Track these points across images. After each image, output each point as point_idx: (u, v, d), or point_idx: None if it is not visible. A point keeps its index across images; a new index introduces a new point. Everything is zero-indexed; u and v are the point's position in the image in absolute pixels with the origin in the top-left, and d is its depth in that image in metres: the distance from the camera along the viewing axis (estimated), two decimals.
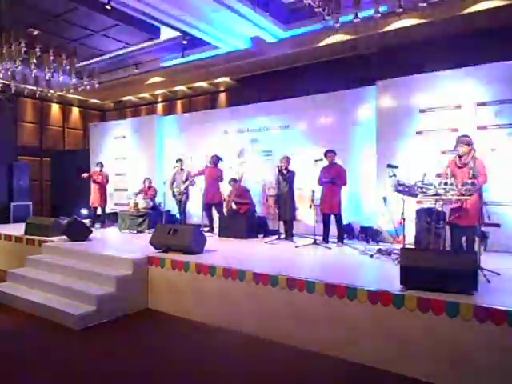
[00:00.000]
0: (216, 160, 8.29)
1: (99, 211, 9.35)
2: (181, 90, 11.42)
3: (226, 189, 8.35)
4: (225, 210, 8.03)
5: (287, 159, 7.07)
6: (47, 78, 7.43)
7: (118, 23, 8.34)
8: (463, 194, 4.32)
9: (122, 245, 6.90)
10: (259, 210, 8.44)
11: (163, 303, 5.21)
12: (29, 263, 6.31)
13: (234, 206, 7.85)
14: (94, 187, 9.11)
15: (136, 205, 8.60)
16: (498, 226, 5.75)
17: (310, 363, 3.72)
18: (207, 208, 8.24)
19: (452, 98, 6.54)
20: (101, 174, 9.15)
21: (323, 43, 7.84)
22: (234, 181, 8.09)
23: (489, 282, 3.93)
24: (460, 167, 4.77)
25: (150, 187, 9.07)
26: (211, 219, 8.27)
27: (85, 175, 9.04)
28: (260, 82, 9.69)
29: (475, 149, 4.85)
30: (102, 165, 9.31)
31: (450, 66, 6.67)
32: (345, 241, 6.72)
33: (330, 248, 6.30)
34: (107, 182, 9.27)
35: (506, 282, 4.08)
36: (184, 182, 8.47)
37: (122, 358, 3.84)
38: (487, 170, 4.70)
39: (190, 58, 9.37)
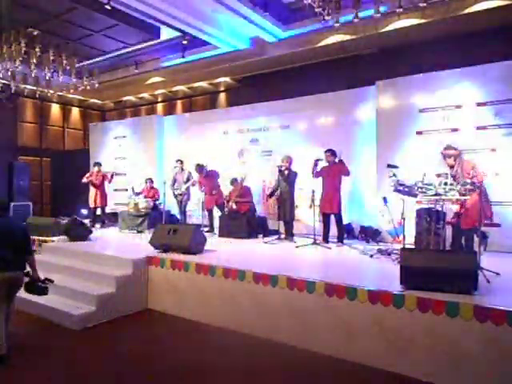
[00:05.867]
0: (200, 170, 8.25)
1: (99, 211, 9.34)
2: (181, 90, 11.41)
3: (226, 188, 8.36)
4: (226, 209, 8.03)
5: (288, 159, 7.05)
6: (47, 78, 7.42)
7: (117, 23, 8.34)
8: (463, 194, 4.33)
9: (122, 245, 6.90)
10: (259, 210, 8.44)
11: (163, 303, 5.21)
12: None
13: (234, 206, 7.86)
14: (91, 188, 9.10)
15: (136, 205, 8.60)
16: (498, 225, 5.76)
17: (310, 363, 3.72)
18: (208, 210, 8.30)
19: (452, 98, 6.54)
20: (100, 174, 9.12)
21: (323, 43, 7.84)
22: (235, 181, 8.08)
23: (489, 282, 3.92)
24: (453, 176, 4.81)
25: (152, 187, 9.06)
26: (212, 219, 8.28)
27: (84, 180, 8.99)
28: (260, 81, 9.69)
29: (461, 154, 4.89)
30: (100, 165, 9.29)
31: (450, 66, 6.68)
32: (345, 241, 6.71)
33: (329, 248, 6.30)
34: (110, 181, 9.22)
35: (506, 282, 4.08)
36: (185, 182, 8.46)
37: (121, 359, 3.84)
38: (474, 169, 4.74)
39: (190, 58, 9.37)
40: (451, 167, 4.86)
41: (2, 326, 3.65)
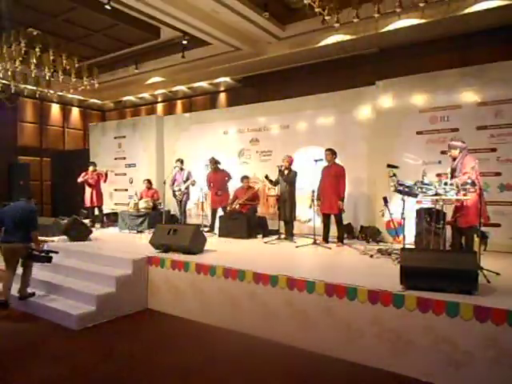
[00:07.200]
0: (215, 164, 8.26)
1: (97, 211, 9.32)
2: (181, 90, 11.41)
3: (232, 187, 8.40)
4: (229, 208, 8.02)
5: (289, 159, 7.04)
6: (47, 78, 7.41)
7: (117, 23, 8.35)
8: (464, 194, 4.33)
9: (122, 245, 6.89)
10: (259, 210, 8.44)
11: (163, 303, 5.20)
12: None
13: (237, 207, 7.85)
14: (87, 187, 9.11)
15: (136, 205, 8.59)
16: (497, 225, 5.76)
17: (310, 363, 3.72)
18: (213, 210, 8.32)
19: (452, 98, 6.54)
20: (95, 173, 9.11)
21: (323, 43, 7.84)
22: (245, 178, 8.08)
23: (489, 282, 3.92)
24: (453, 169, 4.79)
25: (150, 188, 9.05)
26: (214, 219, 8.28)
27: (80, 180, 9.02)
28: (260, 81, 9.69)
29: (467, 148, 4.85)
30: (94, 164, 9.31)
31: (449, 66, 6.67)
32: (345, 241, 6.71)
33: (330, 248, 6.30)
34: (105, 180, 9.22)
35: (506, 281, 4.07)
36: (185, 181, 8.46)
37: (121, 359, 3.84)
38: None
39: (189, 58, 9.37)
40: (454, 159, 4.83)
41: (11, 282, 5.10)
